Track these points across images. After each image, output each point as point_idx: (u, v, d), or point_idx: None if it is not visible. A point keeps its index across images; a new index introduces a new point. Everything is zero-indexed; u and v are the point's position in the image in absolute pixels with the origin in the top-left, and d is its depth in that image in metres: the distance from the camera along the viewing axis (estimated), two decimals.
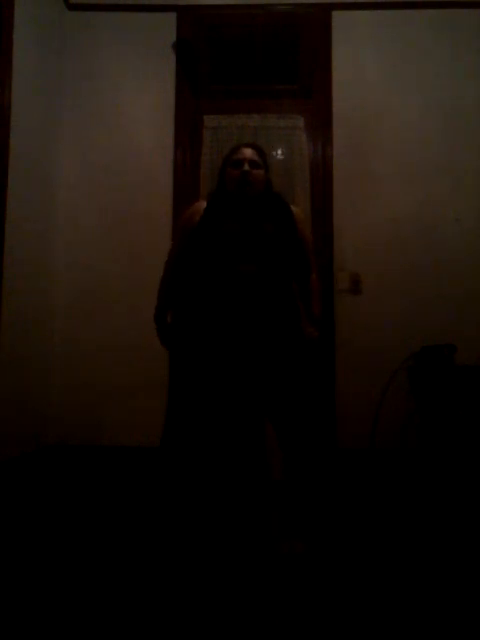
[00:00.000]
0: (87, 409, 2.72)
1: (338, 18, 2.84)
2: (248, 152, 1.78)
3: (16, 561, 1.55)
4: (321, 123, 2.83)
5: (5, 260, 2.21)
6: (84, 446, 2.67)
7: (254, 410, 1.74)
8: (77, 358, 2.75)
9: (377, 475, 2.53)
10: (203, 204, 1.83)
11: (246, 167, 1.74)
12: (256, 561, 1.53)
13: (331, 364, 2.69)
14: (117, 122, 2.85)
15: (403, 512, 2.05)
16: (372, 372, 2.66)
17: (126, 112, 2.85)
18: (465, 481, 2.19)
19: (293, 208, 1.85)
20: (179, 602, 1.31)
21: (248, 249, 1.67)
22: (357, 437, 2.61)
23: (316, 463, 1.76)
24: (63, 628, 1.18)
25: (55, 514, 2.00)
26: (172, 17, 2.87)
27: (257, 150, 1.81)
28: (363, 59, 2.83)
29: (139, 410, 2.70)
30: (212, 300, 1.69)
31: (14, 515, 1.99)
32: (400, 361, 2.58)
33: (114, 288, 2.78)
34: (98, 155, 2.84)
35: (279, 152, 2.84)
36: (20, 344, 2.38)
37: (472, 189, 2.76)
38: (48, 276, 2.69)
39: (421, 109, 2.80)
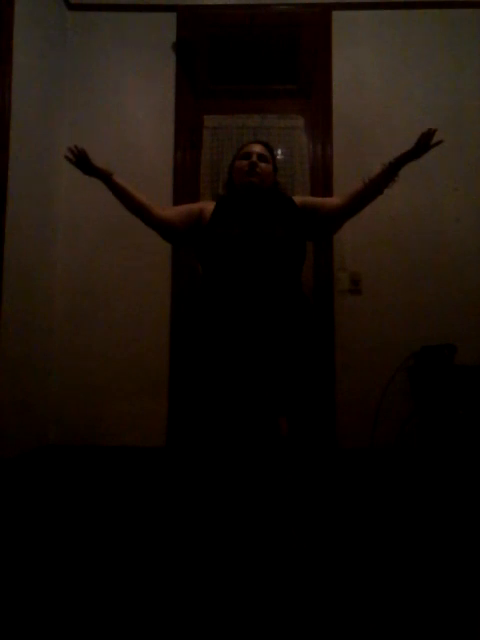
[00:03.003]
0: (87, 409, 2.72)
1: (338, 18, 2.84)
2: (257, 147, 1.84)
3: (16, 561, 1.56)
4: (321, 123, 2.83)
5: (5, 260, 2.21)
6: (84, 446, 2.68)
7: (266, 408, 1.74)
8: (77, 358, 2.75)
9: (377, 475, 2.53)
10: (210, 207, 1.84)
11: (254, 159, 1.78)
12: (260, 559, 1.53)
13: (331, 364, 2.69)
14: (117, 122, 2.85)
15: (403, 512, 2.05)
16: (372, 372, 2.66)
17: (126, 112, 2.85)
18: (465, 481, 2.19)
19: (295, 199, 1.86)
20: (181, 602, 1.31)
21: (258, 255, 1.67)
22: (357, 437, 2.61)
23: (317, 457, 1.75)
24: (63, 628, 1.18)
25: (55, 514, 2.00)
26: (172, 17, 2.87)
27: (266, 147, 1.86)
28: (363, 59, 2.83)
29: (139, 410, 2.70)
30: (224, 308, 1.69)
31: (14, 515, 1.99)
32: (400, 361, 2.58)
33: (114, 288, 2.78)
34: (98, 155, 2.79)
35: (279, 152, 2.84)
36: (20, 344, 2.38)
37: (472, 189, 2.76)
38: (48, 276, 2.69)
39: (421, 109, 2.80)
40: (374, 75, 2.82)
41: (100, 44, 2.88)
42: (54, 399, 2.71)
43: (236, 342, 1.65)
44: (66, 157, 1.70)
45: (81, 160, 1.70)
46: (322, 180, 2.80)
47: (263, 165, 1.81)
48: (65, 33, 2.86)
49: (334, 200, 1.85)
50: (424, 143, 1.65)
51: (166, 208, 1.86)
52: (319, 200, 1.90)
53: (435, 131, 1.61)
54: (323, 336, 2.70)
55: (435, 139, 1.64)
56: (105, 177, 1.74)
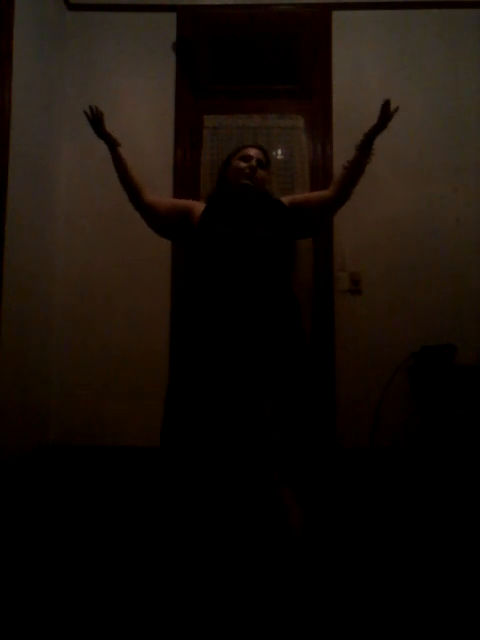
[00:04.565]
0: (87, 409, 2.72)
1: (338, 18, 2.84)
2: (257, 152, 1.84)
3: (16, 561, 1.55)
4: (321, 123, 2.83)
5: (5, 260, 2.21)
6: (84, 446, 2.68)
7: (256, 407, 1.73)
8: (77, 358, 2.75)
9: (377, 475, 2.53)
10: (200, 208, 1.84)
11: (254, 163, 1.79)
12: (257, 559, 1.53)
13: (331, 364, 2.69)
14: (117, 122, 2.81)
15: (403, 512, 2.05)
16: (372, 372, 2.66)
17: (126, 112, 2.85)
18: (465, 481, 2.19)
19: (283, 200, 1.86)
20: (179, 602, 1.31)
21: (249, 255, 1.67)
22: (357, 437, 2.61)
23: (317, 457, 1.75)
24: (63, 628, 1.18)
25: (55, 514, 2.00)
26: (172, 17, 2.87)
27: (264, 152, 1.87)
28: (363, 59, 2.83)
29: (139, 410, 2.70)
30: (211, 306, 1.69)
31: (14, 515, 1.99)
32: (400, 361, 2.58)
33: (113, 288, 2.78)
34: (98, 155, 2.83)
35: (279, 152, 2.84)
36: (20, 343, 2.38)
37: (472, 189, 2.76)
38: (48, 276, 2.69)
39: (421, 109, 2.80)
40: (374, 75, 2.82)
41: (100, 44, 2.88)
42: (54, 399, 2.71)
43: (226, 342, 1.65)
44: (84, 112, 1.81)
45: (96, 121, 1.82)
46: (322, 180, 2.79)
47: (262, 172, 1.83)
48: (65, 33, 2.85)
49: (323, 192, 1.90)
50: (385, 114, 1.78)
51: (157, 196, 1.90)
52: (306, 195, 1.96)
53: (389, 100, 1.79)
54: (323, 336, 2.70)
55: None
56: (112, 144, 1.86)
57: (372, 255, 2.75)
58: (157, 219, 1.85)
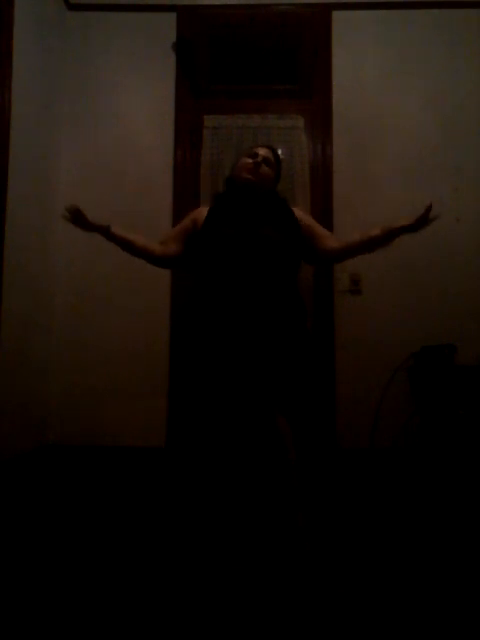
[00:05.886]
0: (87, 409, 2.72)
1: (338, 18, 2.84)
2: (265, 151, 1.85)
3: (16, 561, 1.56)
4: (321, 123, 2.83)
5: (5, 259, 2.21)
6: (84, 446, 2.68)
7: (264, 410, 1.73)
8: (77, 358, 2.75)
9: (377, 475, 2.53)
10: (204, 212, 1.85)
11: (260, 160, 1.80)
12: (260, 561, 1.53)
13: (331, 364, 2.69)
14: (117, 122, 2.85)
15: (403, 512, 2.05)
16: (372, 372, 2.66)
17: (126, 112, 2.85)
18: (465, 481, 2.19)
19: (295, 210, 1.87)
20: (180, 604, 1.31)
21: (247, 254, 1.67)
22: (357, 437, 2.61)
23: (317, 457, 1.75)
24: (63, 628, 1.18)
25: (55, 514, 2.00)
26: (172, 17, 2.87)
27: (274, 153, 1.88)
28: (363, 59, 2.83)
29: (139, 410, 2.70)
30: (217, 305, 1.69)
31: (14, 515, 1.99)
32: (400, 361, 2.58)
33: (114, 288, 2.78)
34: (98, 155, 2.84)
35: (279, 152, 2.84)
36: (20, 344, 2.38)
37: (472, 189, 2.76)
38: (48, 276, 2.69)
39: (421, 109, 2.81)
40: (374, 75, 2.82)
41: (100, 44, 2.88)
42: (54, 399, 2.71)
43: (230, 343, 1.65)
44: (63, 216, 1.69)
45: (77, 217, 1.69)
46: (322, 180, 2.80)
47: (266, 169, 1.83)
48: (65, 33, 2.86)
49: (331, 241, 1.84)
50: (423, 217, 1.67)
51: (163, 239, 1.87)
52: (318, 230, 1.87)
53: (431, 205, 1.65)
54: (323, 336, 2.70)
55: (433, 212, 1.66)
56: (103, 231, 1.75)
57: (372, 255, 2.73)
58: (176, 262, 1.86)
